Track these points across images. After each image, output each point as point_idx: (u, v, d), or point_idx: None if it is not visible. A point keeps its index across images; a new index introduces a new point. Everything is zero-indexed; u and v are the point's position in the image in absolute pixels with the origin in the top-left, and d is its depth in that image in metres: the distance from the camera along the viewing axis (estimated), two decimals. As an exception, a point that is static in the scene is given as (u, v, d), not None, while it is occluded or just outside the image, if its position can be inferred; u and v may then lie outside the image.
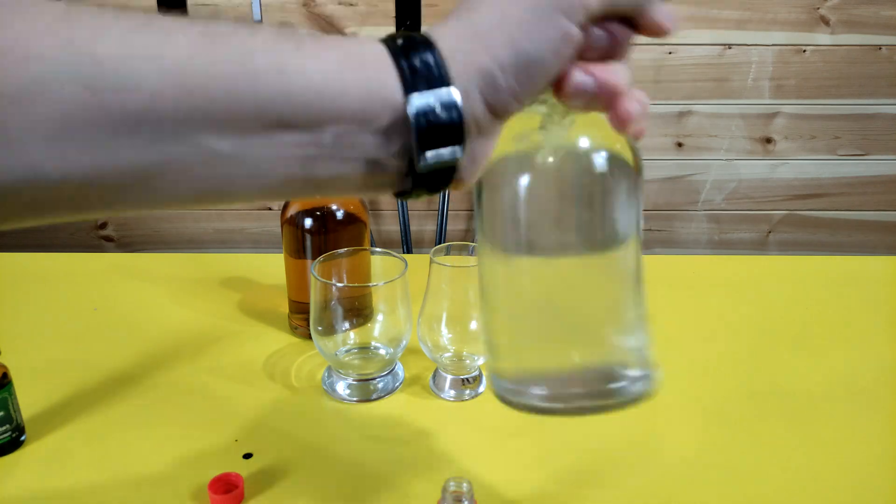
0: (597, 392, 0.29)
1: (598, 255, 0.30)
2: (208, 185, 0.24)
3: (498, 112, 0.26)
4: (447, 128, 0.25)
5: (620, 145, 0.29)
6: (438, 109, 0.24)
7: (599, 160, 0.29)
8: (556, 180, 0.30)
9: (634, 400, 0.30)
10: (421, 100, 0.24)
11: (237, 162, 0.24)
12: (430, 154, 0.25)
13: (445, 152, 0.25)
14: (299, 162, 0.25)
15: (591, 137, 0.29)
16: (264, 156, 0.24)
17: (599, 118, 0.28)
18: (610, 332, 0.31)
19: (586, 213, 0.30)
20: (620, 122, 0.27)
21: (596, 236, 0.30)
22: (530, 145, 0.29)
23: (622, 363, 0.31)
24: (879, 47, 1.28)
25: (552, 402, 0.29)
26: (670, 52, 1.28)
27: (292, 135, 0.24)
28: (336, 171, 0.25)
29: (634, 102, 0.27)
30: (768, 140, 1.36)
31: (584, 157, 0.29)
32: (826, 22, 1.27)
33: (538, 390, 0.29)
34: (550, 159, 0.29)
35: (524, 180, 0.29)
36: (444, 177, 0.26)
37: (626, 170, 0.29)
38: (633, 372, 0.31)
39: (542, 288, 0.30)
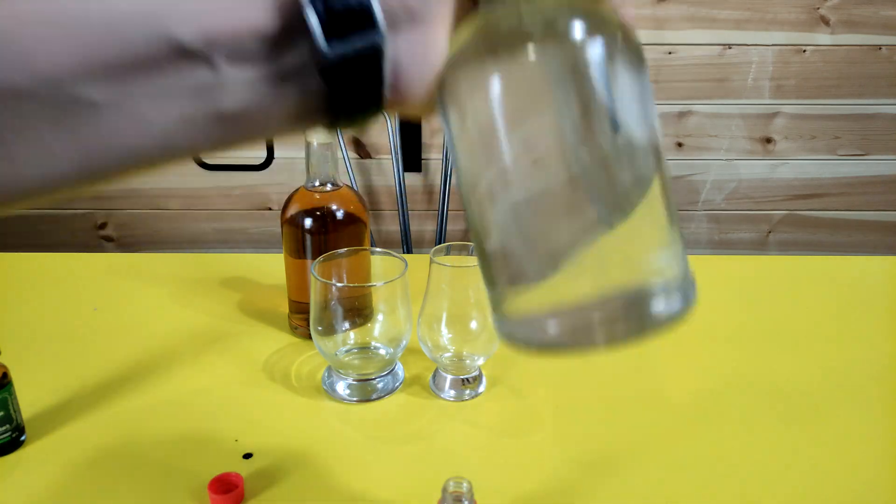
0: (632, 314, 0.22)
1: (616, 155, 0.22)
2: (89, 145, 0.21)
3: None
4: (354, 9, 0.20)
5: (618, 19, 0.23)
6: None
7: (599, 37, 0.22)
8: (544, 71, 0.22)
9: (675, 317, 0.23)
10: None
11: (118, 110, 0.21)
12: (336, 45, 0.20)
13: (358, 42, 0.20)
14: (192, 97, 0.21)
15: (584, 9, 0.22)
16: (149, 94, 0.21)
17: None
18: (641, 244, 0.23)
19: (591, 108, 0.22)
20: None
21: (609, 139, 0.22)
22: (502, 28, 0.22)
23: (658, 274, 0.23)
24: (879, 47, 1.28)
25: (579, 334, 0.23)
26: (670, 52, 1.28)
27: (175, 65, 0.21)
28: (239, 99, 0.21)
29: None
30: (768, 140, 1.36)
31: (579, 33, 0.22)
32: (826, 22, 1.27)
33: (560, 322, 0.23)
34: (532, 44, 0.21)
35: (498, 78, 0.22)
36: (370, 84, 0.21)
37: (634, 50, 0.23)
38: (667, 285, 0.23)
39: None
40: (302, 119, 0.23)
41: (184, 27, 0.21)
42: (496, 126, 0.22)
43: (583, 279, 0.23)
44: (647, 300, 0.22)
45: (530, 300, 0.24)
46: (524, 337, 0.24)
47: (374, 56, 0.21)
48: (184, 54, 0.21)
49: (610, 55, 0.22)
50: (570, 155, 0.22)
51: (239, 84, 0.21)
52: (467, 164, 0.23)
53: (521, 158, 0.22)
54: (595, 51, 0.21)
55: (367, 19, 0.20)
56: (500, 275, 0.24)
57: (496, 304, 0.25)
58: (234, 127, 0.23)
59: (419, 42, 0.22)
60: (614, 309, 0.22)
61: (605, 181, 0.22)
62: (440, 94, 0.23)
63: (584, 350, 0.23)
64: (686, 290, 0.24)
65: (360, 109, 0.22)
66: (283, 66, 0.21)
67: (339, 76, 0.21)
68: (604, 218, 0.22)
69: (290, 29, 0.21)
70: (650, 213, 0.23)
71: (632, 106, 0.22)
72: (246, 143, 0.24)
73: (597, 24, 0.22)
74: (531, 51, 0.21)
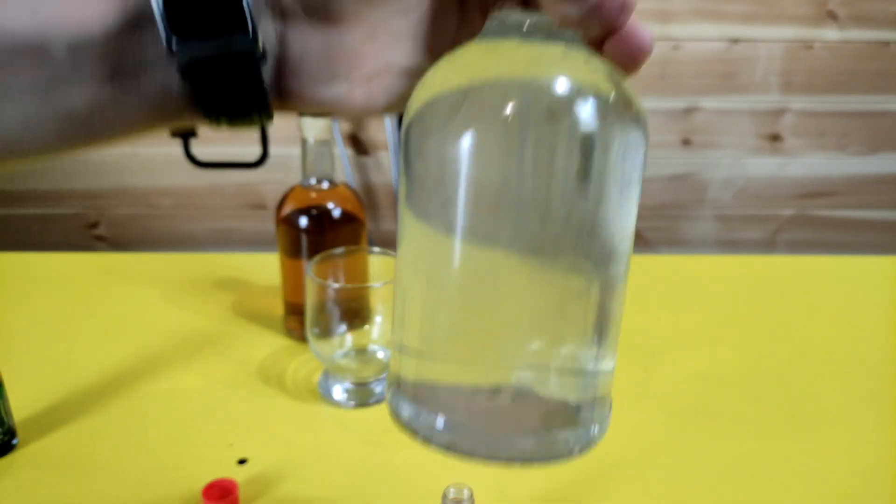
0: (532, 433, 0.21)
1: (575, 251, 0.21)
2: None
3: None
4: (206, 4, 0.18)
5: (627, 93, 0.20)
6: None
7: (603, 109, 0.19)
8: (529, 136, 0.19)
9: (577, 452, 0.23)
10: None
11: None
12: (191, 41, 0.18)
13: (219, 38, 0.18)
14: (33, 94, 0.19)
15: (585, 73, 0.20)
16: None
17: (582, 52, 0.20)
18: (567, 352, 0.21)
19: (572, 188, 0.20)
20: (630, 53, 0.19)
21: (583, 229, 0.20)
22: (489, 77, 0.20)
23: (576, 399, 0.22)
24: (888, 43, 1.27)
25: (461, 437, 0.21)
26: (676, 47, 1.27)
27: (10, 60, 0.19)
28: (87, 97, 0.19)
29: (645, 29, 0.19)
30: (776, 137, 1.35)
31: (577, 103, 0.19)
32: (834, 17, 1.25)
33: (444, 418, 0.21)
34: (522, 104, 0.19)
35: (477, 135, 0.19)
36: (243, 84, 0.19)
37: (636, 130, 0.20)
38: (585, 414, 0.23)
39: (479, 281, 0.21)
40: (169, 117, 0.21)
41: (17, 17, 0.19)
42: (455, 183, 0.20)
43: (492, 377, 0.21)
44: (561, 425, 0.22)
45: (427, 382, 0.22)
46: (416, 426, 0.22)
47: (244, 55, 0.19)
48: (18, 48, 0.19)
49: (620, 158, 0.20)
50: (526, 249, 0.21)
51: (84, 79, 0.19)
52: (416, 199, 0.21)
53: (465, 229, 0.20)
54: (610, 156, 0.20)
55: (231, 11, 0.18)
56: (411, 343, 0.22)
57: (398, 376, 0.23)
58: (86, 126, 0.20)
59: (319, 41, 0.20)
60: (517, 423, 0.21)
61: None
62: (407, 134, 0.21)
63: (469, 459, 0.21)
64: (602, 419, 0.24)
65: (238, 111, 0.20)
66: (131, 60, 0.19)
67: (198, 74, 0.19)
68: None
69: (136, 18, 0.19)
70: (598, 314, 0.22)
71: (618, 198, 0.21)
72: (109, 141, 0.21)
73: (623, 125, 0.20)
74: (519, 126, 0.19)
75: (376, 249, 0.57)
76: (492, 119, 0.19)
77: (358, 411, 0.54)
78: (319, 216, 0.59)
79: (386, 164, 1.37)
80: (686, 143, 1.35)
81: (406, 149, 0.21)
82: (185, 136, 1.31)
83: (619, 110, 0.20)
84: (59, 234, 1.41)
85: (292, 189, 0.60)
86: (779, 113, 1.33)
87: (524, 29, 0.20)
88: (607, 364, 0.23)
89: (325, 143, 0.58)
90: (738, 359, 0.62)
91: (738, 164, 1.37)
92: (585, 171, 0.19)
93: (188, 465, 0.48)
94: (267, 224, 1.41)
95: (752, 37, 1.26)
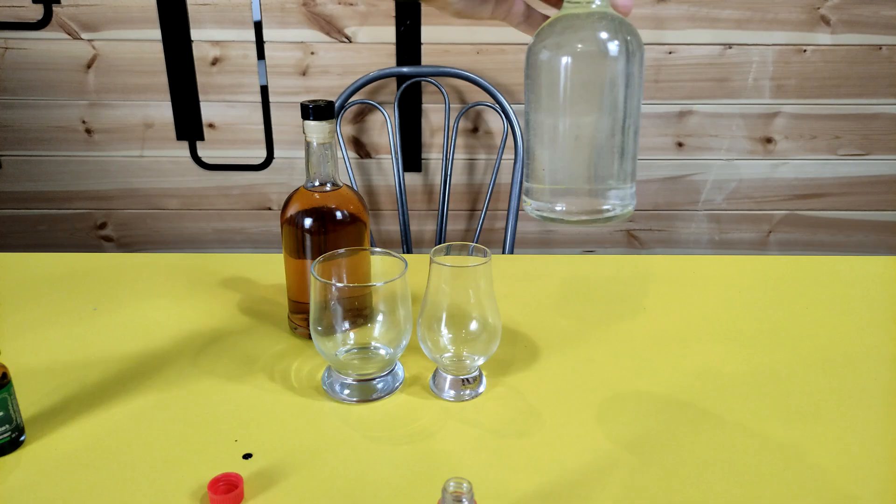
0: (597, 210, 0.43)
1: (613, 109, 0.40)
2: None
3: None
4: None
5: (635, 32, 0.40)
6: None
7: (619, 42, 0.39)
8: (595, 59, 0.40)
9: (621, 217, 0.43)
10: None
11: None
12: None
13: None
14: None
15: (610, 23, 0.40)
16: None
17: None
18: (614, 166, 0.43)
19: (609, 81, 0.40)
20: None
21: (616, 98, 0.40)
22: (574, 37, 0.40)
23: (618, 189, 0.43)
24: (880, 47, 1.28)
25: (568, 215, 0.43)
26: (670, 52, 1.28)
27: None
28: None
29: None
30: (769, 140, 1.36)
31: (606, 39, 0.40)
32: (826, 22, 1.26)
33: (560, 206, 0.43)
34: (580, 43, 0.40)
35: (571, 58, 0.40)
36: None
37: (637, 50, 0.40)
38: (623, 198, 0.43)
39: (573, 129, 0.41)
40: None
41: None
42: (560, 94, 0.40)
43: (582, 181, 0.43)
44: (610, 203, 0.43)
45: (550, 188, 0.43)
46: (538, 208, 0.43)
47: None
48: None
49: (632, 66, 0.40)
50: (599, 127, 0.41)
51: None
52: (539, 108, 0.42)
53: (571, 120, 0.41)
54: (626, 66, 0.40)
55: None
56: (538, 174, 0.43)
57: (528, 192, 0.44)
58: None
59: None
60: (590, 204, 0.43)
61: (610, 147, 0.41)
62: (529, 61, 0.41)
63: (571, 224, 0.43)
64: (630, 201, 0.44)
65: None
66: None
67: None
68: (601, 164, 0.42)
69: None
70: (626, 148, 0.42)
71: (634, 98, 0.41)
72: None
73: (633, 44, 0.40)
74: (588, 58, 0.40)
75: (378, 250, 0.58)
76: (574, 50, 0.40)
77: (360, 407, 0.55)
78: (323, 217, 0.60)
79: (387, 167, 1.38)
80: (680, 145, 1.36)
81: (531, 65, 0.41)
82: (192, 139, 1.32)
83: (636, 41, 0.40)
84: (66, 234, 1.42)
85: (296, 191, 0.61)
86: (771, 116, 1.34)
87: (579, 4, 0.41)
88: (635, 172, 0.44)
89: (329, 146, 0.59)
90: (731, 357, 0.62)
91: (731, 165, 1.38)
92: (627, 69, 0.40)
93: (194, 460, 0.48)
94: (271, 225, 1.41)
95: (745, 41, 1.28)
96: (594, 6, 0.40)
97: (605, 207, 0.43)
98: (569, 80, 0.40)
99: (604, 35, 0.40)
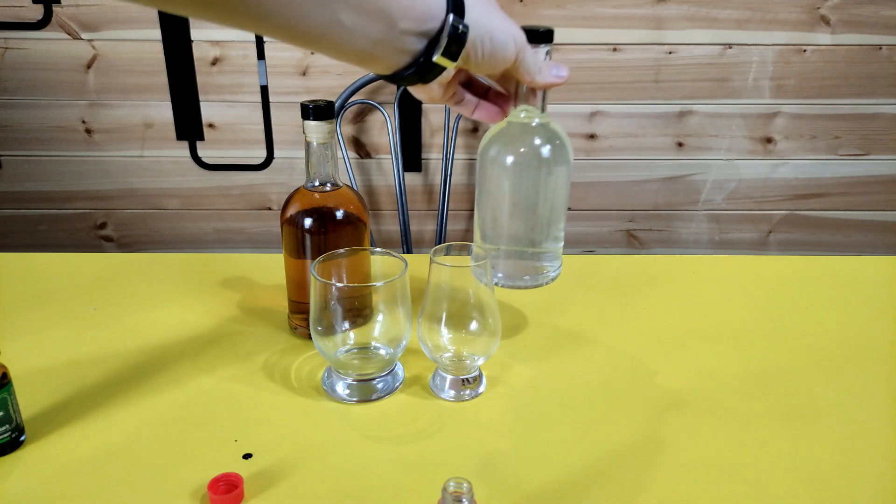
0: (533, 275, 0.57)
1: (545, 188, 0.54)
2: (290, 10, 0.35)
3: (470, 55, 0.43)
4: (455, 41, 0.41)
5: (563, 138, 0.55)
6: (459, 30, 0.41)
7: (548, 146, 0.54)
8: (528, 162, 0.54)
9: (541, 285, 0.57)
10: (454, 21, 0.41)
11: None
12: (441, 50, 0.41)
13: (447, 55, 0.41)
14: (365, 37, 0.38)
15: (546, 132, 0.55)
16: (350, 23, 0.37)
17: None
18: (548, 235, 0.55)
19: (539, 181, 0.54)
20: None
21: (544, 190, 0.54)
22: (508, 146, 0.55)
23: (551, 256, 0.57)
24: (880, 47, 1.28)
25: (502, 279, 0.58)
26: (670, 52, 1.28)
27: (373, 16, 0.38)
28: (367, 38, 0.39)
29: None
30: (769, 140, 1.36)
31: (540, 140, 0.54)
32: (826, 22, 1.26)
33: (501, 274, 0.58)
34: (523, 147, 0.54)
35: (511, 150, 0.54)
36: (431, 71, 0.42)
37: (563, 155, 0.54)
38: (554, 264, 0.57)
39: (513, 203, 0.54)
40: (383, 64, 0.42)
41: None
42: (504, 185, 0.54)
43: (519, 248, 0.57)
44: (544, 270, 0.57)
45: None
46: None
47: (446, 62, 0.42)
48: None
49: (556, 169, 0.54)
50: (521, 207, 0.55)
51: (389, 46, 0.40)
52: (483, 190, 0.56)
53: (505, 200, 0.55)
54: (554, 167, 0.54)
55: (456, 52, 0.42)
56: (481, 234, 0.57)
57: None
58: (343, 52, 0.39)
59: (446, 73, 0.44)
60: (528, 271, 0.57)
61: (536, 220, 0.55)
62: (480, 155, 0.56)
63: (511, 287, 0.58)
64: (558, 268, 0.58)
65: (419, 78, 0.43)
66: (410, 46, 0.41)
67: (424, 65, 0.42)
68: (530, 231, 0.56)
69: (428, 33, 0.41)
70: (558, 219, 0.56)
71: (561, 192, 0.55)
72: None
73: (557, 157, 0.54)
74: (520, 161, 0.54)
75: (378, 249, 0.58)
76: (516, 151, 0.54)
77: (360, 407, 0.55)
78: (323, 217, 0.60)
79: (387, 167, 1.38)
80: (680, 145, 1.36)
81: (481, 157, 0.56)
82: (192, 139, 1.32)
83: (564, 148, 0.55)
84: (66, 234, 1.42)
85: (296, 191, 0.61)
86: (771, 116, 1.34)
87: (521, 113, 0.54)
88: (561, 239, 0.57)
89: (328, 146, 0.59)
90: (731, 357, 0.62)
91: (731, 165, 1.38)
92: (554, 169, 0.54)
93: (194, 460, 0.48)
94: (271, 225, 1.41)
95: (744, 41, 1.28)
96: (534, 123, 0.54)
97: (526, 278, 0.56)
98: (509, 175, 0.53)
99: (537, 142, 0.53)
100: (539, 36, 0.50)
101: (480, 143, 0.54)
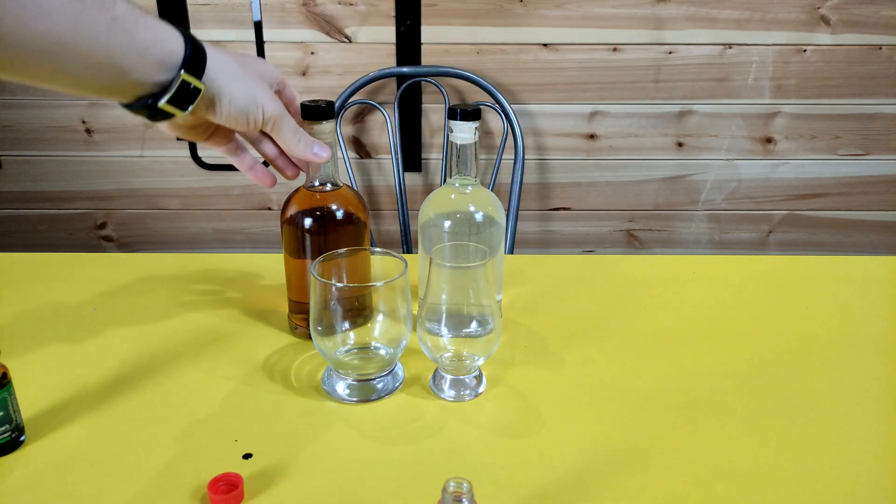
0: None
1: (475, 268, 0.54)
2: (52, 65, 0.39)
3: (204, 112, 0.48)
4: (184, 95, 0.45)
5: (493, 207, 0.62)
6: (191, 87, 0.45)
7: (479, 216, 0.61)
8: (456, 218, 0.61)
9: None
10: (186, 76, 0.45)
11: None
12: (167, 99, 0.45)
13: (175, 104, 0.45)
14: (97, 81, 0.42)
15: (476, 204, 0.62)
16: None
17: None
18: (477, 317, 0.56)
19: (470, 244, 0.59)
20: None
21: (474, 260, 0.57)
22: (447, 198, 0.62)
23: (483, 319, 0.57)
24: (880, 47, 1.28)
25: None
26: (670, 52, 1.28)
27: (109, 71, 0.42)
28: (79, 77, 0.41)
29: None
30: (769, 140, 1.36)
31: (472, 212, 0.62)
32: (826, 21, 1.26)
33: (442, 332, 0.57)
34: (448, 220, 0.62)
35: (447, 214, 0.61)
36: (160, 113, 0.46)
37: (499, 215, 0.61)
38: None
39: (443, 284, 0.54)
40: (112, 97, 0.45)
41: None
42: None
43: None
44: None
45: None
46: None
47: (177, 111, 0.46)
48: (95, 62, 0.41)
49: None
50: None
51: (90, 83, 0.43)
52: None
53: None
54: (490, 227, 0.61)
55: (185, 105, 0.46)
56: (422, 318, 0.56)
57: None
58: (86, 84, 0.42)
59: (183, 122, 0.51)
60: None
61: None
62: (421, 218, 0.61)
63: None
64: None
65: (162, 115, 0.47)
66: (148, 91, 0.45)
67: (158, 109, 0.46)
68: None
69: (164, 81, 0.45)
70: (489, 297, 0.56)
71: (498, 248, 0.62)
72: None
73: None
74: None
75: (378, 250, 0.58)
76: (453, 216, 0.62)
77: (360, 407, 0.55)
78: (323, 217, 0.60)
79: (387, 167, 1.38)
80: (680, 145, 1.36)
81: (422, 220, 0.63)
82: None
83: (498, 210, 0.63)
84: (66, 234, 1.42)
85: (297, 191, 0.61)
86: (771, 116, 1.34)
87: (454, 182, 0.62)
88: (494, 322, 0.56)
89: (329, 146, 0.59)
90: (731, 356, 0.62)
91: (731, 165, 1.38)
92: (490, 229, 0.62)
93: (194, 460, 0.48)
94: (271, 225, 1.41)
95: (744, 41, 1.28)
96: (468, 190, 0.61)
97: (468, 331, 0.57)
98: (449, 236, 0.60)
99: (472, 208, 0.61)
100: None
101: (423, 206, 0.62)
